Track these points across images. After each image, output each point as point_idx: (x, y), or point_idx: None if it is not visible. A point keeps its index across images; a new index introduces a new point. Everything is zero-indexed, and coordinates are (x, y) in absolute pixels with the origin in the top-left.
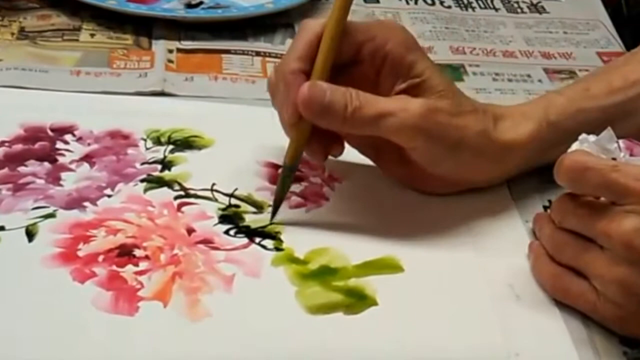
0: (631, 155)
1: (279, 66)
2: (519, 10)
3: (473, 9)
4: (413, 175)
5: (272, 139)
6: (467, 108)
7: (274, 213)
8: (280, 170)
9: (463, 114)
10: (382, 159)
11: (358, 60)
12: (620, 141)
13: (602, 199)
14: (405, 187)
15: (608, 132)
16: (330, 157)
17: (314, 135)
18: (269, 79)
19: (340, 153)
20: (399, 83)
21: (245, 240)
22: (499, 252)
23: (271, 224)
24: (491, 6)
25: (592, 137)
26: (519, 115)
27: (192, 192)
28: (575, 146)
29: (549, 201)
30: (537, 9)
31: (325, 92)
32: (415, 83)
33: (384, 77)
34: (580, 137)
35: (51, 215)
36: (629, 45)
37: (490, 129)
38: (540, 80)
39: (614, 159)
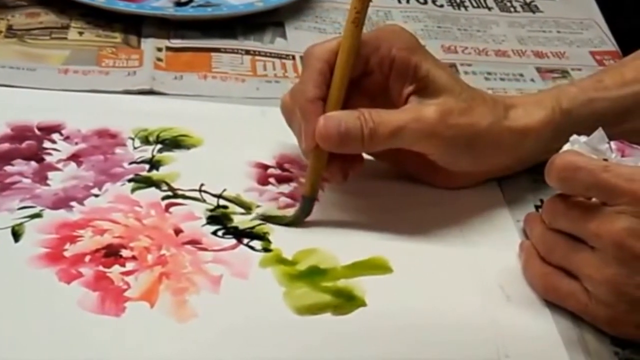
0: (622, 156)
1: (296, 93)
2: (512, 9)
3: (466, 7)
4: (435, 174)
5: (262, 137)
6: (476, 101)
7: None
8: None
9: (473, 109)
10: (404, 164)
11: (367, 72)
12: (612, 142)
13: (593, 199)
14: (394, 190)
15: (599, 133)
16: None
17: (332, 159)
18: (284, 101)
19: (360, 171)
20: (407, 86)
21: (233, 241)
22: (490, 252)
23: (259, 224)
24: (484, 5)
25: (583, 138)
26: (531, 103)
27: (180, 192)
28: (566, 147)
29: (541, 201)
30: (530, 8)
31: (340, 122)
32: (422, 84)
33: (393, 82)
34: (571, 138)
35: (37, 215)
36: None
37: (501, 119)
38: (532, 80)
39: (605, 159)
